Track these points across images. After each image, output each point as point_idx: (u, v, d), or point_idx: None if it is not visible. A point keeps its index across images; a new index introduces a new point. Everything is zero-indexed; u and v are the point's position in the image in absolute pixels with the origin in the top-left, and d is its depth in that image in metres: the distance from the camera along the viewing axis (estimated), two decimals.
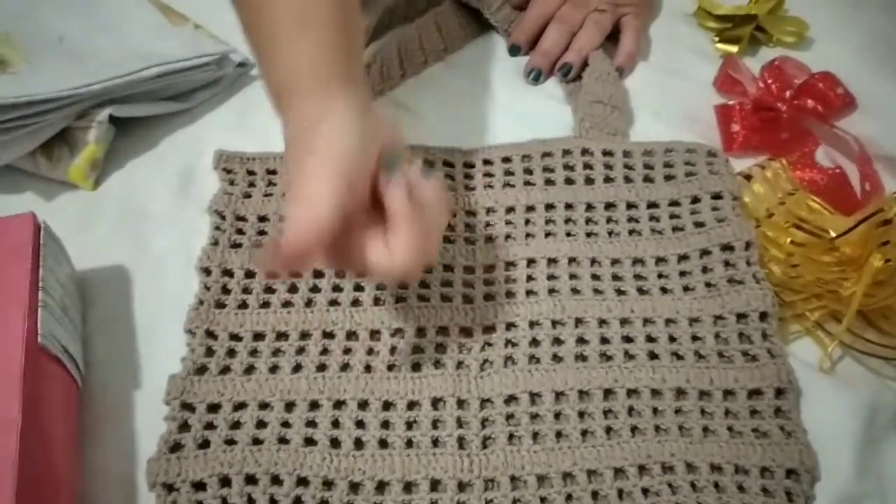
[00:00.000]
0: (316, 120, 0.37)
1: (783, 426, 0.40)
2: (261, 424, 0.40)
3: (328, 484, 0.38)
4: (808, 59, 0.58)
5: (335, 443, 0.39)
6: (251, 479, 0.38)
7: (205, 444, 0.39)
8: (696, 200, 0.50)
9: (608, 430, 0.40)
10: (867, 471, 0.39)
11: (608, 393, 0.41)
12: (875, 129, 0.54)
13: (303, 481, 0.38)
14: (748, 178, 0.52)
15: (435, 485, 0.38)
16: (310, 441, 0.39)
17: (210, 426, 0.40)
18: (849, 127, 0.55)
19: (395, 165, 0.38)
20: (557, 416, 0.40)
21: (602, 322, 0.44)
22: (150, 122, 0.56)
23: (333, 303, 0.45)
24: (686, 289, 0.45)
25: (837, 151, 0.54)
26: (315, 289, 0.46)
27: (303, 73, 0.39)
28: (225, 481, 0.38)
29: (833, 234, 0.45)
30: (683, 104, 0.58)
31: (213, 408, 0.41)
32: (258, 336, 0.44)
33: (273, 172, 0.52)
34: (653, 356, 0.42)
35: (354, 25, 0.42)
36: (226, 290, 0.46)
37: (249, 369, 0.43)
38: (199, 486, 0.38)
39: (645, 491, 0.38)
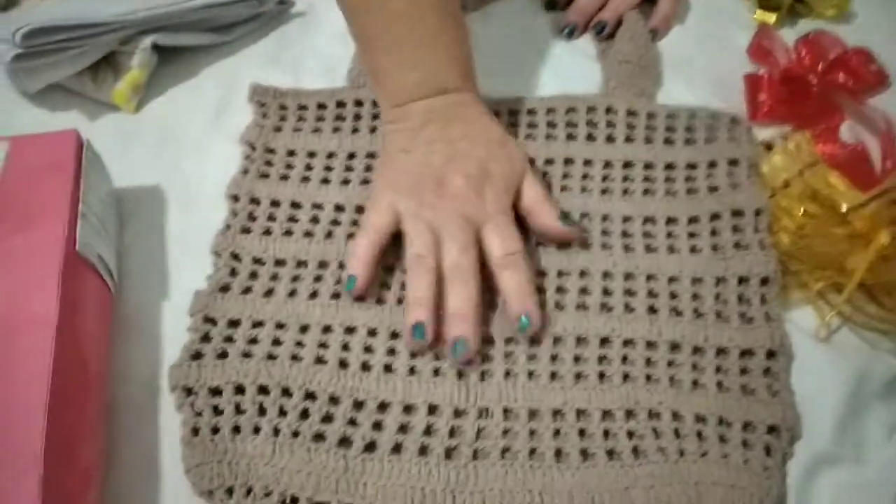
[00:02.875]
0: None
1: (770, 385, 0.41)
2: (276, 342, 0.43)
3: (334, 400, 0.41)
4: (847, 33, 0.58)
5: (343, 364, 0.42)
6: (263, 390, 0.41)
7: (223, 355, 0.42)
8: (712, 165, 0.50)
9: (601, 375, 0.42)
10: (846, 436, 0.40)
11: (604, 341, 0.43)
12: None
13: (311, 395, 0.41)
14: (769, 147, 0.52)
15: (433, 409, 0.41)
16: (320, 360, 0.42)
17: (229, 339, 0.43)
18: (879, 105, 0.54)
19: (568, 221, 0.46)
20: (553, 358, 0.42)
21: (606, 275, 0.45)
22: (191, 52, 0.59)
23: (351, 236, 0.47)
24: (693, 250, 0.47)
25: (863, 127, 0.54)
26: (335, 222, 0.48)
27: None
28: (239, 389, 0.41)
29: (845, 208, 0.46)
30: (715, 70, 0.58)
31: (233, 323, 0.44)
32: (279, 262, 0.46)
33: (304, 108, 0.54)
34: (652, 311, 0.44)
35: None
36: (252, 217, 0.48)
37: (269, 292, 0.45)
38: (216, 391, 0.41)
39: (630, 434, 0.40)
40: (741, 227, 0.47)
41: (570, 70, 0.59)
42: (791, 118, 0.54)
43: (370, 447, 0.39)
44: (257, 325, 0.44)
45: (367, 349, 0.43)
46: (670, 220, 0.48)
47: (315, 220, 0.48)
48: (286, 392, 0.41)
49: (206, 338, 0.43)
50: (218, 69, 0.59)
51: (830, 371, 0.42)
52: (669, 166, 0.51)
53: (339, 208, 0.49)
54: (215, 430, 0.39)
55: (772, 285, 0.45)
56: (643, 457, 0.39)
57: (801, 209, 0.48)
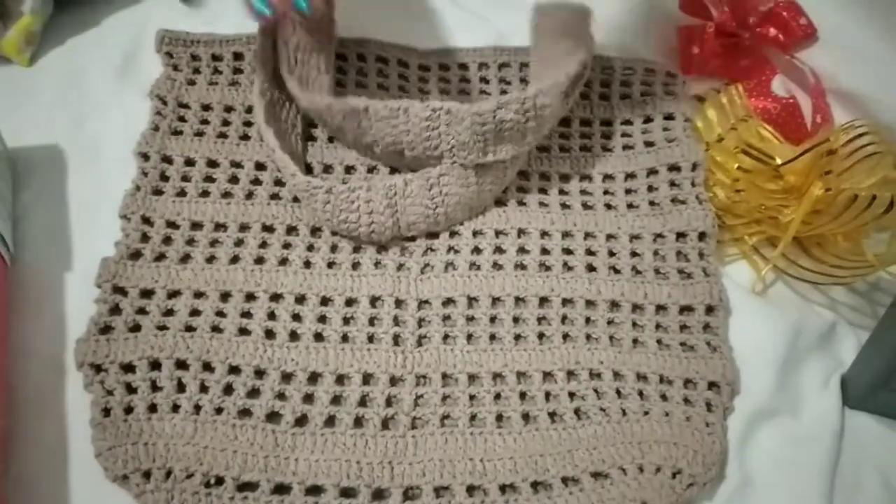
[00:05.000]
0: None
1: (710, 342, 0.41)
2: (194, 313, 0.40)
3: (260, 373, 0.38)
4: None
5: (270, 334, 0.39)
6: (182, 365, 0.38)
7: (136, 329, 0.39)
8: (648, 120, 0.49)
9: (540, 335, 0.40)
10: (784, 388, 0.40)
11: (543, 301, 0.42)
12: (832, 62, 0.54)
13: (235, 370, 0.38)
14: (701, 100, 0.52)
15: (367, 378, 0.39)
16: (244, 331, 0.39)
17: (142, 311, 0.40)
18: (807, 59, 0.54)
19: None
20: (493, 319, 0.41)
21: (544, 234, 0.44)
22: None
23: (275, 196, 0.44)
24: (630, 206, 0.46)
25: (793, 82, 0.54)
26: (256, 181, 0.45)
27: None
28: (155, 365, 0.38)
29: (779, 162, 0.46)
30: (648, 22, 0.57)
31: (146, 293, 0.40)
32: (196, 225, 0.43)
33: (219, 59, 0.50)
34: (591, 269, 0.43)
35: None
36: (164, 177, 0.45)
37: (185, 258, 0.42)
38: (129, 368, 0.38)
39: (571, 395, 0.39)
40: (678, 182, 0.46)
41: (503, 21, 0.56)
42: (723, 72, 0.54)
43: (301, 421, 0.37)
44: (173, 294, 0.40)
45: (295, 317, 0.40)
46: (607, 177, 0.47)
47: (234, 179, 0.45)
48: (207, 367, 0.38)
49: (115, 309, 0.39)
50: (124, 17, 0.54)
51: (767, 325, 0.42)
52: (606, 122, 0.49)
53: (260, 167, 0.45)
54: (128, 410, 0.36)
55: (709, 240, 0.44)
56: (585, 418, 0.38)
57: (735, 164, 0.47)
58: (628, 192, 0.47)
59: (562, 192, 0.46)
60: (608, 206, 0.46)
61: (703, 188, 0.46)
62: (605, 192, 0.47)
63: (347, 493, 0.35)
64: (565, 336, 0.41)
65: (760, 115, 0.51)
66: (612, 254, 0.44)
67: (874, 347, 0.40)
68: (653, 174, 0.47)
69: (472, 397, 0.38)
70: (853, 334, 0.43)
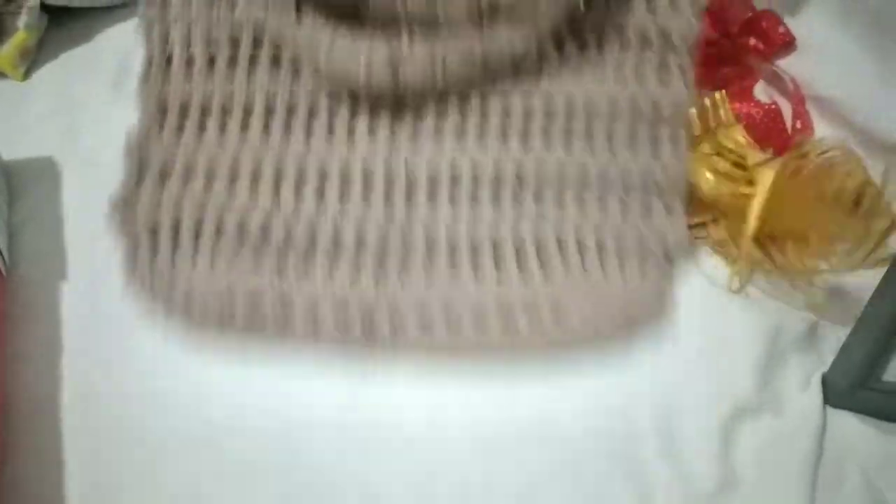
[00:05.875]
0: None
1: (668, 204, 0.45)
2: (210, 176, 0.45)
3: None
4: None
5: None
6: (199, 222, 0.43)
7: (158, 192, 0.44)
8: None
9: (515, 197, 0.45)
10: (766, 387, 0.41)
11: (520, 167, 0.45)
12: (811, 69, 0.55)
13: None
14: None
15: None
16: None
17: (165, 175, 0.45)
18: (787, 67, 0.56)
19: None
20: (475, 180, 0.45)
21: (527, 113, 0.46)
22: (86, 14, 0.54)
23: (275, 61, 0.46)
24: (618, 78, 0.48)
25: (774, 89, 0.55)
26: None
27: None
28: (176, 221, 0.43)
29: (751, 162, 0.46)
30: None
31: (164, 170, 0.45)
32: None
33: None
34: (567, 135, 0.46)
35: None
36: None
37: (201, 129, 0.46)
38: (154, 223, 0.43)
39: (538, 253, 0.43)
40: (666, 58, 0.48)
41: None
42: (707, 81, 0.55)
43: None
44: (190, 167, 0.45)
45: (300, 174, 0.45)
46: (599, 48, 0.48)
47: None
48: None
49: (140, 176, 0.44)
50: (117, 33, 0.55)
51: (748, 325, 0.43)
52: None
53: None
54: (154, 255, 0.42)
55: (678, 115, 0.47)
56: (551, 274, 0.43)
57: (707, 171, 0.48)
58: (618, 66, 0.48)
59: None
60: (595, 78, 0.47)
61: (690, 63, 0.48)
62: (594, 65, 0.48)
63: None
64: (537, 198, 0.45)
65: (744, 120, 0.52)
66: (589, 121, 0.46)
67: (853, 346, 0.41)
68: (646, 44, 0.48)
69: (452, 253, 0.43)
70: (834, 333, 0.44)
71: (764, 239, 0.45)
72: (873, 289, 0.40)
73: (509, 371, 0.41)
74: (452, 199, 0.45)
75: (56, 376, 0.39)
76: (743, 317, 0.43)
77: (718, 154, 0.47)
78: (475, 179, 0.45)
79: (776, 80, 0.55)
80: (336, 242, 0.43)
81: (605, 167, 0.45)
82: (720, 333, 0.42)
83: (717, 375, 0.41)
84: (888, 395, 0.40)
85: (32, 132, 0.49)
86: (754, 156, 0.46)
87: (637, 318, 0.42)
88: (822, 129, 0.54)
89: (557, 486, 0.38)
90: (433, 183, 0.45)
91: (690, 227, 0.47)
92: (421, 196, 0.45)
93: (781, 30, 0.56)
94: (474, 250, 0.43)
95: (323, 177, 0.45)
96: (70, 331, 0.41)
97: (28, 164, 0.47)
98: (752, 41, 0.56)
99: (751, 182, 0.46)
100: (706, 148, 0.48)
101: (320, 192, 0.44)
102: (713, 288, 0.44)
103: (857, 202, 0.42)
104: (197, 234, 0.43)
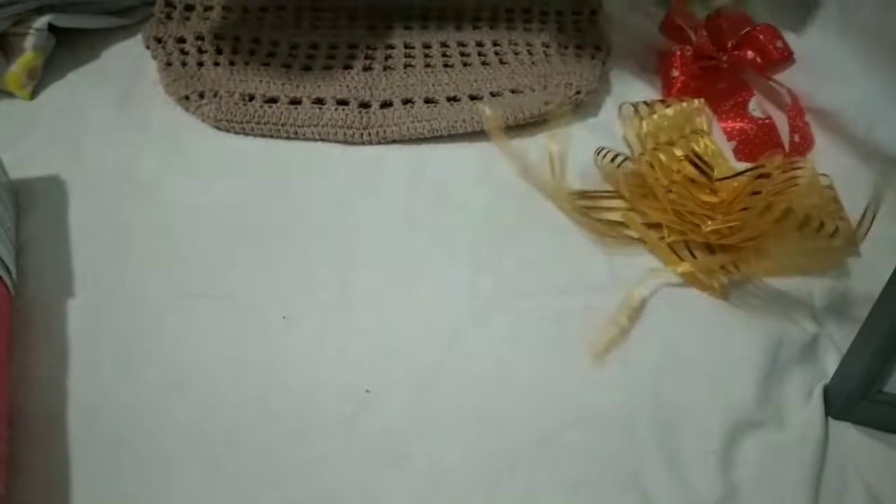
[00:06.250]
0: None
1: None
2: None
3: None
4: (755, 9, 0.60)
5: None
6: (219, 36, 0.56)
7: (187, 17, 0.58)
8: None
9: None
10: (767, 400, 0.41)
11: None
12: (810, 83, 0.56)
13: (257, 40, 0.58)
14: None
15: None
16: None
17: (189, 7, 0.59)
18: (786, 80, 0.56)
19: None
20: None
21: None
22: (92, 35, 0.55)
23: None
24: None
25: (771, 103, 0.56)
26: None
27: None
28: (199, 37, 0.56)
29: (716, 176, 0.46)
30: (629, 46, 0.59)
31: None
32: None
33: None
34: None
35: None
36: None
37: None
38: (181, 40, 0.55)
39: (496, 52, 0.59)
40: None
41: None
42: (702, 94, 0.56)
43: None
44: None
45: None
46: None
47: None
48: (237, 39, 0.57)
49: (169, 6, 0.57)
50: (121, 53, 0.56)
51: (749, 337, 0.43)
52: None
53: None
54: (183, 64, 0.54)
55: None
56: (506, 64, 0.58)
57: (676, 169, 0.47)
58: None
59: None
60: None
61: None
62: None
63: (342, 102, 0.53)
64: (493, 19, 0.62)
65: (738, 137, 0.53)
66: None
67: (855, 358, 0.41)
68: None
69: (426, 55, 0.58)
70: (835, 345, 0.44)
71: (720, 247, 0.45)
72: (874, 301, 0.40)
73: (505, 386, 0.41)
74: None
75: (63, 393, 0.40)
76: (744, 330, 0.43)
77: (688, 159, 0.47)
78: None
79: (773, 94, 0.56)
80: (331, 56, 0.57)
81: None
82: (721, 346, 0.43)
83: (718, 388, 0.41)
84: (890, 406, 0.40)
85: (39, 151, 0.49)
86: (723, 169, 0.46)
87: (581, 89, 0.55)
88: (823, 142, 0.54)
89: (558, 501, 0.38)
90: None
91: (648, 226, 0.47)
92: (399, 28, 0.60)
93: (779, 44, 0.57)
94: (445, 55, 0.58)
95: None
96: (77, 348, 0.41)
97: (35, 183, 0.48)
98: (750, 55, 0.56)
99: (713, 191, 0.46)
100: (678, 151, 0.48)
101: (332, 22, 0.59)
102: (714, 302, 0.44)
103: (821, 225, 0.42)
104: (218, 49, 0.55)
